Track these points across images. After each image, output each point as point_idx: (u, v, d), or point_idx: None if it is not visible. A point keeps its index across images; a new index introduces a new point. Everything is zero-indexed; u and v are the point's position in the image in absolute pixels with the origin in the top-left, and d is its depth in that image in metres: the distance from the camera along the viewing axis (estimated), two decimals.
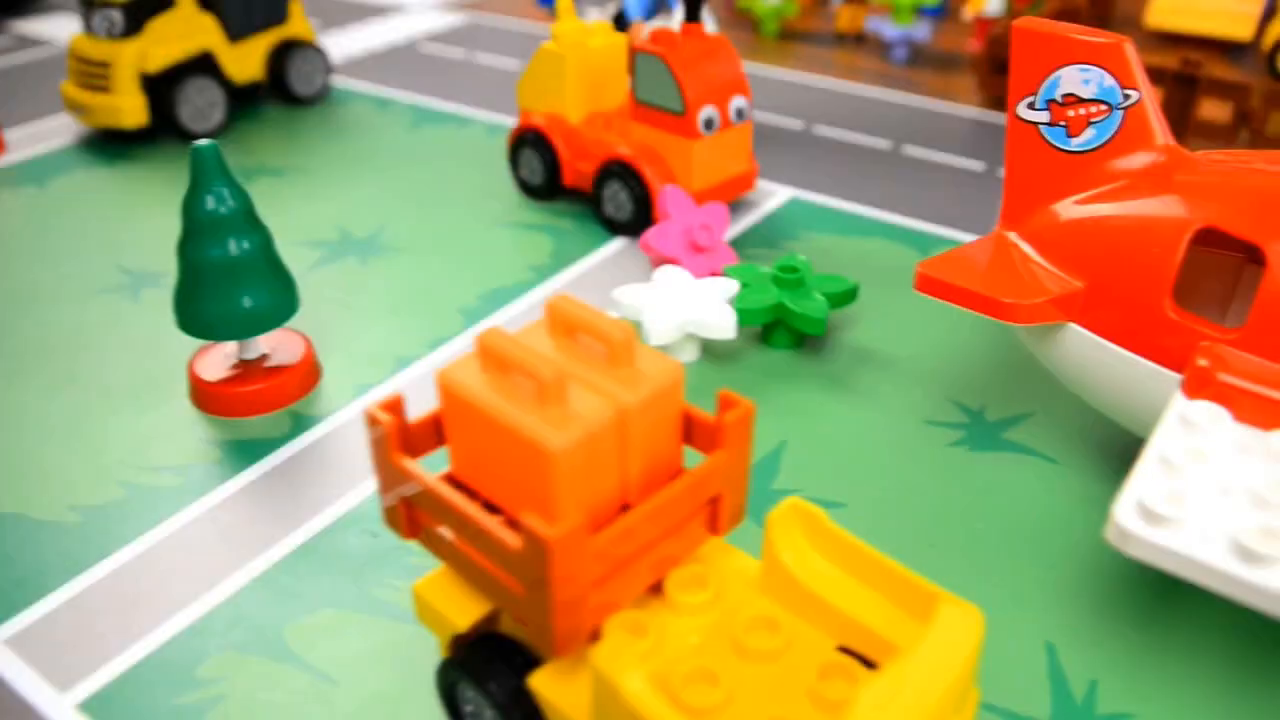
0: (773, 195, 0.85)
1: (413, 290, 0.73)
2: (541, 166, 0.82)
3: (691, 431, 0.38)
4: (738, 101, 0.75)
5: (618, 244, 0.78)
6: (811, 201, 0.84)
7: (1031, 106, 0.51)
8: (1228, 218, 0.45)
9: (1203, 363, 0.44)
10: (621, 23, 1.01)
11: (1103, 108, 0.50)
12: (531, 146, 0.82)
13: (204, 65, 0.96)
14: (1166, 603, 0.47)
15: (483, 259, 0.76)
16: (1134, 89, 0.49)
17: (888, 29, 1.18)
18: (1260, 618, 0.46)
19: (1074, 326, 0.50)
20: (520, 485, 0.35)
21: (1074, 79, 0.50)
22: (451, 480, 0.38)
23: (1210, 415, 0.43)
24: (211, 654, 0.46)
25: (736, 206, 0.83)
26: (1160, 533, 0.38)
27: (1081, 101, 0.50)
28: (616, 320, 0.36)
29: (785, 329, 0.63)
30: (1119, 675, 0.44)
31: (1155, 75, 0.95)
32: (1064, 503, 0.53)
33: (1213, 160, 0.49)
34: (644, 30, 0.96)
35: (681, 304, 0.60)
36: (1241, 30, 1.20)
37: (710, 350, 0.64)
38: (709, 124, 0.73)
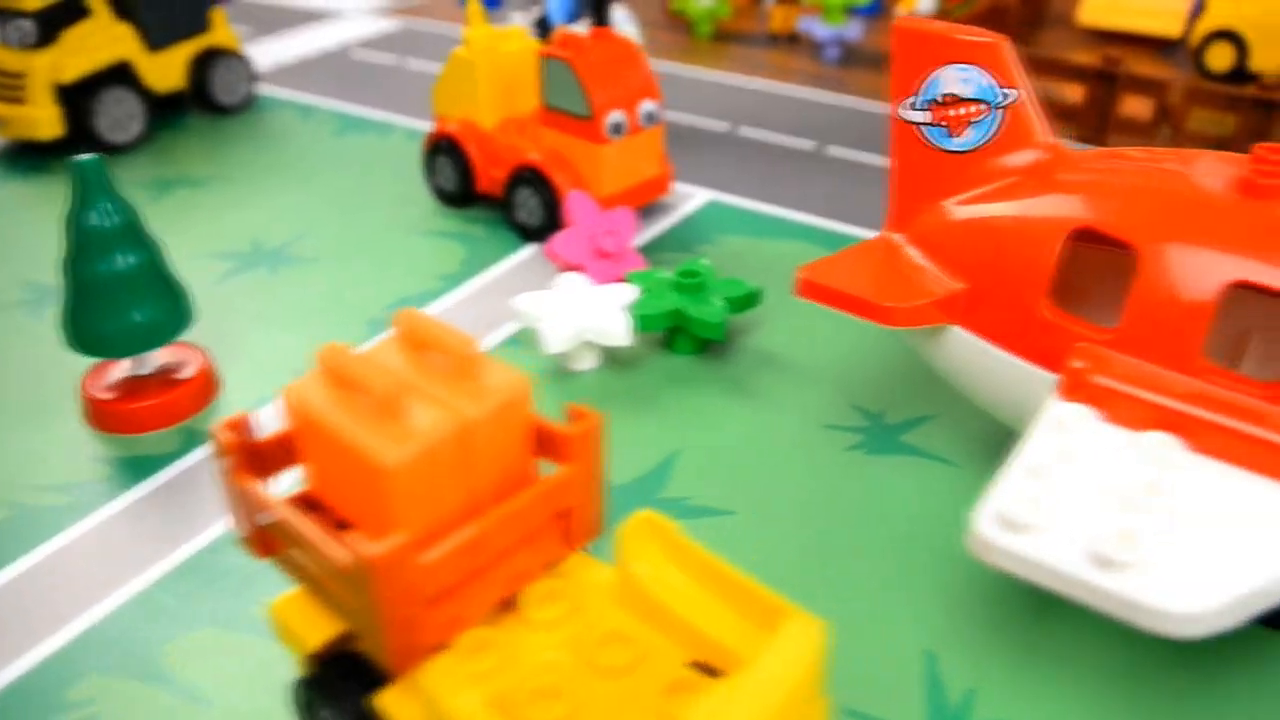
0: (690, 198, 0.84)
1: (321, 301, 0.72)
2: (455, 173, 0.81)
3: (544, 444, 0.37)
4: (647, 105, 0.74)
5: (529, 251, 0.77)
6: (730, 204, 0.84)
7: (913, 107, 0.51)
8: (1102, 217, 0.45)
9: (1077, 364, 0.44)
10: (545, 27, 1.00)
11: (982, 107, 0.49)
12: (445, 153, 0.81)
13: (121, 75, 0.95)
14: (1052, 609, 0.47)
15: (393, 268, 0.75)
16: (1013, 87, 0.49)
17: (818, 29, 1.18)
18: None
19: (957, 329, 0.49)
20: (363, 501, 0.35)
21: (953, 79, 0.49)
22: (307, 499, 0.38)
23: (1082, 418, 0.42)
24: (85, 675, 0.45)
25: (652, 210, 0.82)
26: (1019, 540, 0.37)
27: (961, 101, 0.49)
28: (461, 334, 0.36)
29: (687, 334, 0.63)
30: (998, 682, 0.44)
31: (1078, 72, 0.95)
32: (958, 505, 0.52)
33: (1095, 158, 0.49)
34: None
35: (579, 311, 0.60)
36: (1171, 27, 1.20)
37: (612, 357, 0.64)
38: (617, 128, 0.73)
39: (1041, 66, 0.98)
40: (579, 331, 0.59)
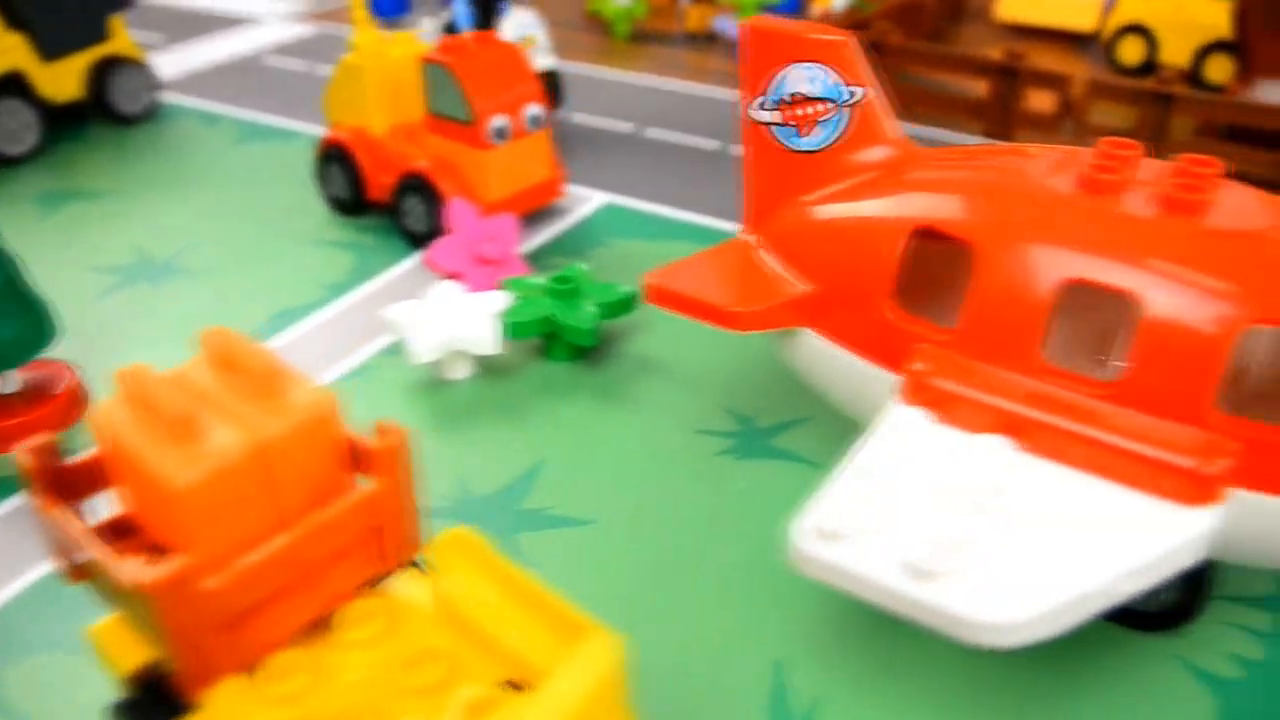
0: (586, 201, 0.84)
1: (203, 314, 0.71)
2: (347, 181, 0.80)
3: (358, 461, 0.37)
4: (532, 109, 0.74)
5: (418, 259, 0.76)
6: (627, 207, 0.83)
7: (762, 107, 0.50)
8: (941, 215, 0.45)
9: (917, 366, 0.43)
10: (453, 32, 0.99)
11: (829, 106, 0.49)
12: (337, 161, 0.81)
13: (13, 86, 0.93)
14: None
15: (279, 278, 0.75)
16: (859, 86, 0.48)
17: (731, 28, 1.17)
18: None
19: (807, 331, 0.49)
20: (164, 524, 0.34)
21: (800, 78, 0.49)
22: (125, 521, 0.37)
23: (917, 421, 0.42)
24: None
25: (545, 214, 0.81)
26: (834, 550, 0.37)
27: (808, 100, 0.49)
28: (264, 352, 0.35)
29: (561, 341, 0.62)
30: (847, 691, 0.43)
31: (981, 67, 0.95)
32: None
33: (943, 155, 0.49)
34: None
35: (449, 320, 0.59)
36: (1085, 21, 1.21)
37: (487, 365, 0.63)
38: (500, 133, 0.72)
39: (946, 62, 0.98)
40: (448, 341, 0.59)
